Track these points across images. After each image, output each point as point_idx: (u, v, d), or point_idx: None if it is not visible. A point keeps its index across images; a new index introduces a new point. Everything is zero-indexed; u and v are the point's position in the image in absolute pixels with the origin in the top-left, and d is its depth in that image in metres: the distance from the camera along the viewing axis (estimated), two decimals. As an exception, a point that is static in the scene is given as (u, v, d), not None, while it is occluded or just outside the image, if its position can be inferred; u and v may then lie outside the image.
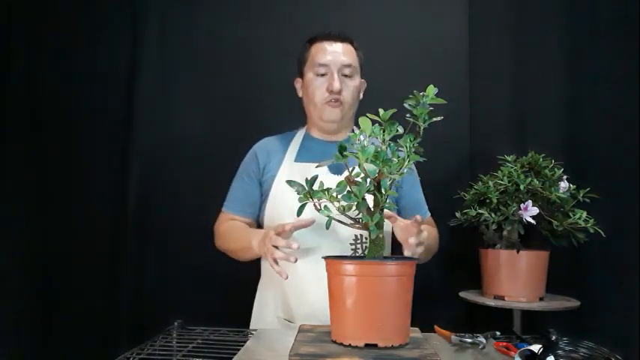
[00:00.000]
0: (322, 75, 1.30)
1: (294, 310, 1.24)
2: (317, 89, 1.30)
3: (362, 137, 0.84)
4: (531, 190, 1.27)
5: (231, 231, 1.32)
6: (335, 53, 1.30)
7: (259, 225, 1.38)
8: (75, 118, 1.73)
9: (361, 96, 1.39)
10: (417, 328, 0.96)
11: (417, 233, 1.06)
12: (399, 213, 1.35)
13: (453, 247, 1.60)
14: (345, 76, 1.31)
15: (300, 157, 1.33)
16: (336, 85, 1.27)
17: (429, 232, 1.33)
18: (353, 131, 1.37)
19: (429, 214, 1.43)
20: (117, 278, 1.67)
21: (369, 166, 0.81)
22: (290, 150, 1.35)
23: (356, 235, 1.23)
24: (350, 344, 0.83)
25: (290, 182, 0.91)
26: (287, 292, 1.25)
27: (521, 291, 1.28)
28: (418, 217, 1.07)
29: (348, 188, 0.86)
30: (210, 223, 1.44)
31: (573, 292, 1.37)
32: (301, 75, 1.37)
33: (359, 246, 1.23)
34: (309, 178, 0.89)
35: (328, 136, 1.38)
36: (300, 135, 1.40)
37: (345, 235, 1.22)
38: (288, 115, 1.48)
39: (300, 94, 1.40)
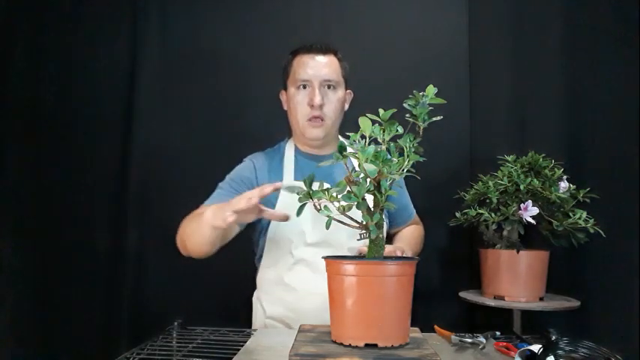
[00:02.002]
0: (304, 87, 1.28)
1: (302, 317, 1.20)
2: (299, 104, 1.28)
3: (360, 138, 0.83)
4: (531, 190, 1.27)
5: (192, 216, 1.23)
6: (316, 67, 1.26)
7: (260, 253, 1.34)
8: (74, 119, 1.73)
9: (346, 107, 1.36)
10: (417, 328, 0.96)
11: None
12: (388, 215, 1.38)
13: (453, 247, 1.61)
14: (328, 88, 1.28)
15: (298, 177, 1.30)
16: (317, 100, 1.25)
17: (412, 235, 1.41)
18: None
19: (414, 212, 1.47)
20: (117, 278, 1.67)
21: (369, 166, 0.81)
22: (286, 171, 1.32)
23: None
24: (350, 344, 0.83)
25: (289, 188, 0.91)
26: (288, 300, 1.24)
27: (521, 291, 1.28)
28: (399, 252, 1.14)
29: (348, 188, 0.85)
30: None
31: (573, 292, 1.37)
32: (285, 87, 1.35)
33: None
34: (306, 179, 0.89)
35: (317, 150, 1.35)
36: (290, 150, 1.37)
37: (354, 251, 1.22)
38: (285, 120, 1.49)
39: (285, 107, 1.37)
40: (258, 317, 1.33)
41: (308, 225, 1.23)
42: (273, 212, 1.09)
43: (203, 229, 1.09)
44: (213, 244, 1.15)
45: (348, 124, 1.42)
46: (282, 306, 1.26)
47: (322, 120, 1.28)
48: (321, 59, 1.27)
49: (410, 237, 1.37)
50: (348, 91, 1.35)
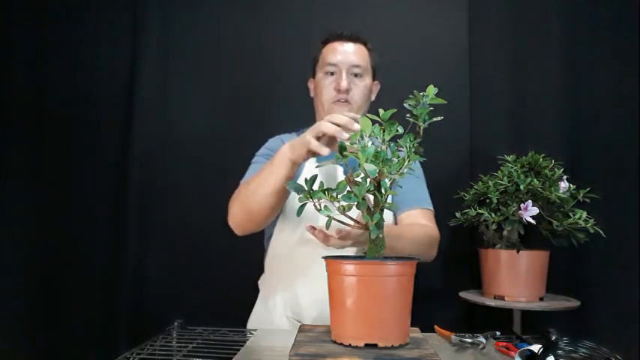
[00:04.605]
0: (331, 74, 1.29)
1: (305, 310, 1.21)
2: (325, 88, 1.29)
3: (360, 138, 0.83)
4: (531, 190, 1.27)
5: (251, 180, 1.18)
6: (345, 53, 1.29)
7: (270, 232, 1.32)
8: (75, 118, 1.73)
9: (373, 97, 1.37)
10: (417, 328, 0.96)
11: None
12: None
13: (453, 247, 1.61)
14: (355, 75, 1.29)
15: (320, 158, 1.23)
16: (344, 83, 1.26)
17: (409, 229, 1.22)
18: None
19: (422, 205, 1.30)
20: (117, 278, 1.67)
21: (369, 166, 0.80)
22: None
23: None
24: (350, 344, 0.83)
25: (289, 184, 0.90)
26: (298, 291, 1.23)
27: (521, 291, 1.28)
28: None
29: (348, 188, 0.85)
30: (210, 223, 1.43)
31: (573, 292, 1.37)
32: (314, 75, 1.36)
33: None
34: (307, 178, 0.89)
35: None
36: None
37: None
38: (289, 116, 1.49)
39: (312, 94, 1.39)
40: (261, 301, 1.32)
41: None
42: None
43: (273, 177, 1.07)
44: (278, 201, 1.13)
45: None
46: (285, 288, 1.25)
47: (348, 103, 1.28)
48: (350, 47, 1.30)
49: (398, 228, 1.23)
50: (375, 82, 1.36)
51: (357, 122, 0.95)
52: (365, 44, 1.33)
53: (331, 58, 1.29)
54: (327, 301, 1.00)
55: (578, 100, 1.55)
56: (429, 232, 1.25)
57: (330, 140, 1.04)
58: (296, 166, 1.08)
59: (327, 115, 1.04)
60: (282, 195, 1.12)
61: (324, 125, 1.01)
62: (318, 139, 1.04)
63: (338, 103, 1.28)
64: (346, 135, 0.97)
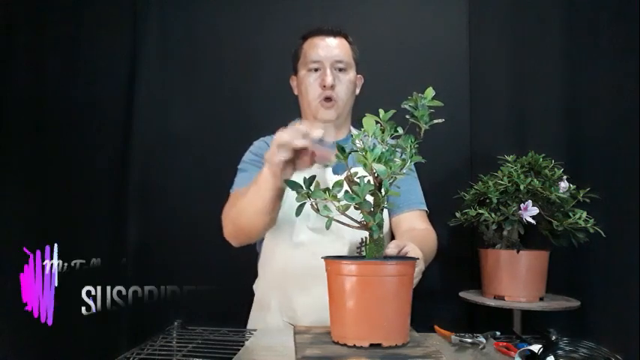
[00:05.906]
0: (315, 70, 1.27)
1: (301, 315, 1.20)
2: (310, 86, 1.27)
3: (364, 137, 0.83)
4: (531, 190, 1.27)
5: (241, 196, 1.15)
6: (328, 48, 1.27)
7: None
8: (75, 118, 1.73)
9: (357, 91, 1.35)
10: (410, 327, 0.96)
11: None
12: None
13: (453, 247, 1.61)
14: (340, 70, 1.28)
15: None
16: (329, 80, 1.24)
17: (424, 238, 1.22)
18: (350, 130, 1.35)
19: (418, 207, 1.31)
20: (117, 278, 1.67)
21: (379, 167, 0.80)
22: None
23: (362, 239, 1.20)
24: (354, 345, 0.82)
25: (287, 182, 0.90)
26: (293, 296, 1.22)
27: (521, 291, 1.28)
28: (397, 249, 0.99)
29: (346, 188, 0.85)
30: (210, 223, 1.42)
31: (573, 292, 1.37)
32: (296, 72, 1.34)
33: (364, 249, 1.22)
34: (307, 177, 0.88)
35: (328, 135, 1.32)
36: None
37: (354, 240, 1.20)
38: (287, 115, 1.48)
39: (295, 91, 1.37)
40: (256, 306, 1.32)
41: None
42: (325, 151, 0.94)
43: (261, 192, 1.02)
44: (272, 210, 1.07)
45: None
46: (280, 293, 1.24)
47: (334, 101, 1.27)
48: (332, 41, 1.28)
49: (420, 238, 1.20)
50: (358, 75, 1.35)
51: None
52: (346, 37, 1.31)
53: (314, 54, 1.27)
54: (324, 305, 0.97)
55: (578, 100, 1.55)
56: (433, 235, 1.28)
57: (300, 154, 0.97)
58: (281, 189, 1.01)
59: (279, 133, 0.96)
60: (273, 211, 1.08)
61: (282, 137, 0.93)
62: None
63: (324, 102, 1.26)
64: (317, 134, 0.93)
